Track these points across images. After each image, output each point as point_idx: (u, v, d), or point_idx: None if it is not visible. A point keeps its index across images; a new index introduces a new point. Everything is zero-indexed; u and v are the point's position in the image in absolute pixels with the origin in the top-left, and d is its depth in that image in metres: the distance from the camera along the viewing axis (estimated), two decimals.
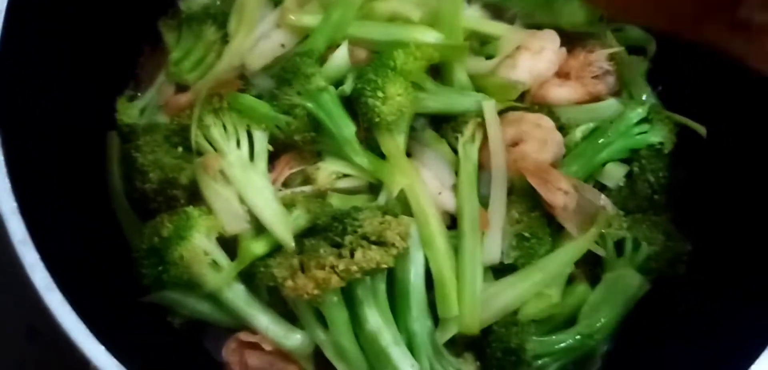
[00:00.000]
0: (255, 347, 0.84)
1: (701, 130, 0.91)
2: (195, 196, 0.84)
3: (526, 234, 0.83)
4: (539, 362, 0.83)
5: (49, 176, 0.74)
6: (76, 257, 0.73)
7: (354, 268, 0.76)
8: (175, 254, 0.78)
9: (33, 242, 0.62)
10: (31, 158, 0.69)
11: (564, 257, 0.85)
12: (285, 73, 0.83)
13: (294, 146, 0.86)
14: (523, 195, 0.86)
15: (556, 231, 0.87)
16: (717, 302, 0.85)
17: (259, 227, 0.82)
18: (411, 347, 0.81)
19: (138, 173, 0.84)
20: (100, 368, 0.62)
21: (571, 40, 0.96)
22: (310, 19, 0.87)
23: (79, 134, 0.84)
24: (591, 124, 0.92)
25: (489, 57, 0.90)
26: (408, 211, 0.82)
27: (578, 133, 0.91)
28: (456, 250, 0.83)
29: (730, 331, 0.79)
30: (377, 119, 0.82)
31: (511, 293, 0.83)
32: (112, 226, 0.89)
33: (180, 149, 0.85)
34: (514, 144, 0.88)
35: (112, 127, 0.92)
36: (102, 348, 0.62)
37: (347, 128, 0.83)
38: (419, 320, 0.82)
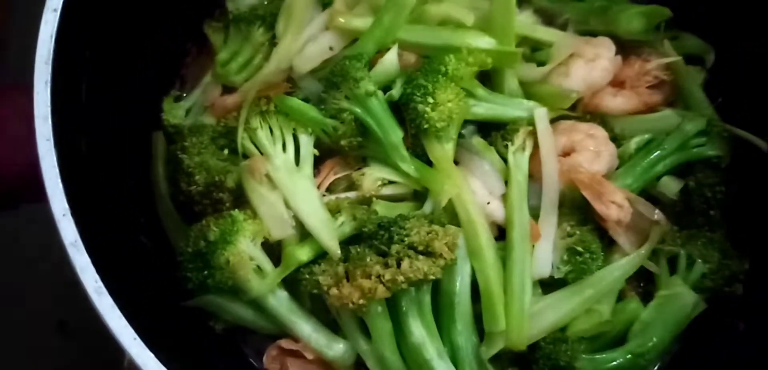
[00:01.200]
0: (296, 355, 0.83)
1: (762, 144, 0.88)
2: (240, 199, 0.83)
3: (579, 248, 0.81)
4: None
5: (98, 179, 0.74)
6: (123, 259, 0.73)
7: (400, 278, 0.74)
8: (221, 259, 0.77)
9: (84, 245, 0.62)
10: (81, 162, 0.69)
11: (616, 273, 0.83)
12: (333, 76, 0.82)
13: (339, 151, 0.84)
14: (575, 207, 0.84)
15: (607, 245, 0.84)
16: None
17: (303, 233, 0.81)
18: (455, 361, 0.80)
19: (184, 175, 0.84)
20: None
21: (626, 48, 0.93)
22: (359, 22, 0.85)
23: (127, 135, 0.84)
24: (646, 136, 0.90)
25: (541, 64, 0.88)
26: (455, 220, 0.80)
27: (633, 144, 0.89)
28: (504, 262, 0.81)
29: None
30: (426, 126, 0.80)
31: (560, 308, 0.81)
32: (156, 228, 0.88)
33: (226, 152, 0.85)
34: (566, 154, 0.85)
35: (158, 127, 0.92)
36: (151, 355, 0.61)
37: (395, 134, 0.82)
38: (464, 333, 0.80)
